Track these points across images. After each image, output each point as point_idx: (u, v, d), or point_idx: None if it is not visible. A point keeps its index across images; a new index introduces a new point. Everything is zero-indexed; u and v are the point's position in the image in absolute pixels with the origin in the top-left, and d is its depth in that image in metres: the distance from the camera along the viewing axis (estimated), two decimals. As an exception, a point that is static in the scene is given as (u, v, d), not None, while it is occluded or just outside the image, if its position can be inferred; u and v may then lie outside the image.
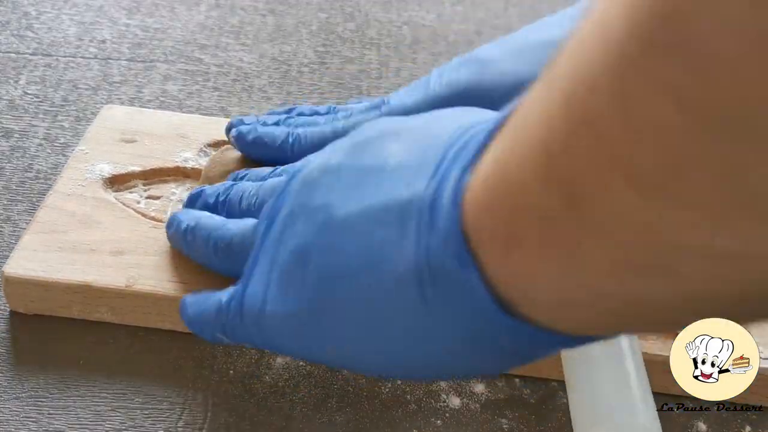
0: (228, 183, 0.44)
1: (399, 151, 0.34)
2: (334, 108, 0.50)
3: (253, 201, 0.41)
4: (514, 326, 0.29)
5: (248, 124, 0.49)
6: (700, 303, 0.26)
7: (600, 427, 0.36)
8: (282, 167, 0.43)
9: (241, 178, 0.45)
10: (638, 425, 0.37)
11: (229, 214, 0.42)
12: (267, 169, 0.44)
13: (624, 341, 0.38)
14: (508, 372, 0.42)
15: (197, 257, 0.43)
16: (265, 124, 0.49)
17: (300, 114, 0.51)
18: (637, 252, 0.25)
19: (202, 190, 0.45)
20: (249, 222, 0.39)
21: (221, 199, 0.43)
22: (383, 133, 0.36)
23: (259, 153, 0.48)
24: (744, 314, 0.27)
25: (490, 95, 0.45)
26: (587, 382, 0.37)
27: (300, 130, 0.48)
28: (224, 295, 0.38)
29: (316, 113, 0.50)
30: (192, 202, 0.45)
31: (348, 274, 0.33)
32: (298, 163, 0.39)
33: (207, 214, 0.43)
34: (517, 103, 0.29)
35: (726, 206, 0.22)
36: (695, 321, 0.31)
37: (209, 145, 0.51)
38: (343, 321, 0.33)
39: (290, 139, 0.47)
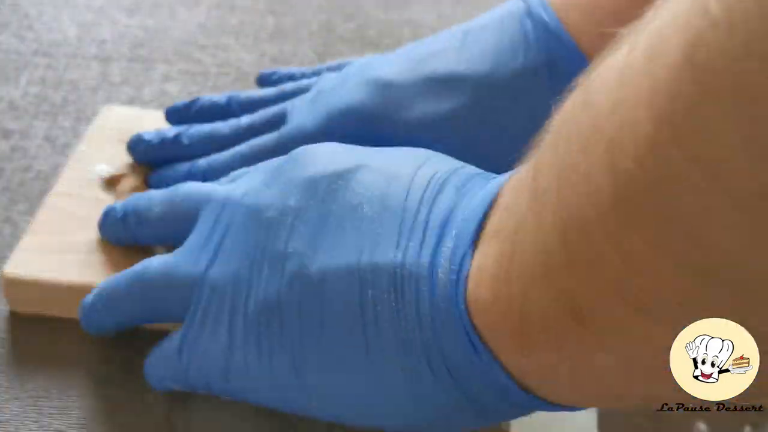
0: (135, 195, 0.44)
1: (368, 198, 0.34)
2: (236, 97, 0.50)
3: (170, 209, 0.40)
4: (530, 403, 0.31)
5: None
6: None
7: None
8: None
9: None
10: (571, 413, 0.37)
11: (140, 227, 0.42)
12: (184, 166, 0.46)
13: None
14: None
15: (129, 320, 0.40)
16: (164, 139, 0.49)
17: (200, 108, 0.50)
18: (646, 359, 0.27)
19: (111, 207, 0.44)
20: (164, 259, 0.38)
21: (129, 210, 0.43)
22: (339, 173, 0.35)
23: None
24: None
25: (392, 124, 0.44)
26: None
27: (202, 163, 0.47)
28: (174, 339, 0.37)
29: (218, 106, 0.50)
30: (105, 220, 0.44)
31: (337, 336, 0.33)
32: (230, 186, 0.39)
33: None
34: (502, 192, 0.31)
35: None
36: None
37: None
38: (331, 378, 0.34)
39: (195, 176, 0.47)
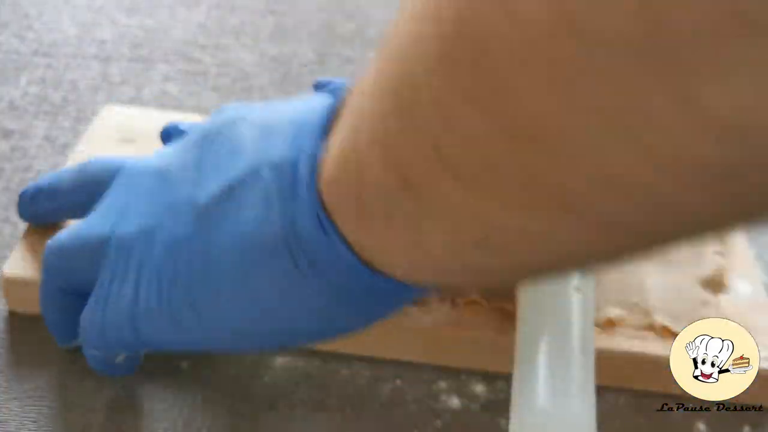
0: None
1: (252, 134, 0.36)
2: None
3: (81, 176, 0.41)
4: (381, 284, 0.32)
5: None
6: (528, 268, 0.29)
7: (531, 413, 0.37)
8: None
9: None
10: (570, 414, 0.37)
11: (52, 199, 0.43)
12: None
13: (575, 332, 0.38)
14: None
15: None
16: None
17: None
18: (466, 232, 0.27)
19: (25, 190, 0.44)
20: (84, 222, 0.39)
21: (44, 186, 0.43)
22: (234, 120, 0.37)
23: None
24: (570, 267, 0.32)
25: None
26: (529, 370, 0.38)
27: None
28: (88, 305, 0.38)
29: None
30: (21, 203, 0.44)
31: (220, 258, 0.34)
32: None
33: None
34: (357, 80, 0.32)
35: (534, 199, 0.24)
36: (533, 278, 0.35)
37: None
38: (219, 303, 0.35)
39: None
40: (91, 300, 0.38)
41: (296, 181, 0.33)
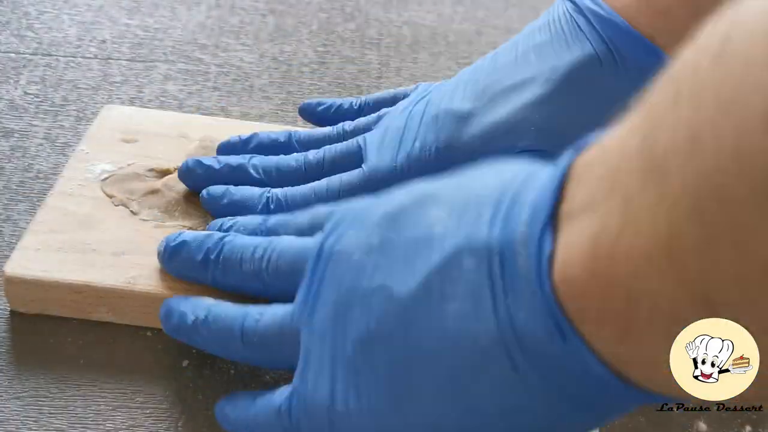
0: (215, 234, 0.42)
1: (441, 216, 0.33)
2: (296, 135, 0.50)
3: (264, 266, 0.40)
4: (632, 394, 0.29)
5: (213, 174, 0.48)
6: None
7: None
8: (281, 220, 0.43)
9: (227, 229, 0.44)
10: None
11: (225, 276, 0.41)
12: (257, 219, 0.44)
13: None
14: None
15: (216, 350, 0.40)
16: (227, 166, 0.48)
17: (259, 144, 0.50)
18: None
19: (184, 242, 0.42)
20: (279, 310, 0.38)
21: (212, 256, 0.41)
22: (418, 200, 0.34)
23: (234, 213, 0.46)
24: None
25: (471, 151, 0.45)
26: None
27: (278, 192, 0.47)
28: (278, 396, 0.37)
29: (277, 142, 0.50)
30: (174, 256, 0.42)
31: (424, 356, 0.32)
32: (310, 222, 0.39)
33: (213, 301, 0.40)
34: (579, 164, 0.29)
35: None
36: None
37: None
38: (426, 405, 0.32)
39: (269, 204, 0.46)
40: (281, 398, 0.36)
41: (513, 273, 0.29)
